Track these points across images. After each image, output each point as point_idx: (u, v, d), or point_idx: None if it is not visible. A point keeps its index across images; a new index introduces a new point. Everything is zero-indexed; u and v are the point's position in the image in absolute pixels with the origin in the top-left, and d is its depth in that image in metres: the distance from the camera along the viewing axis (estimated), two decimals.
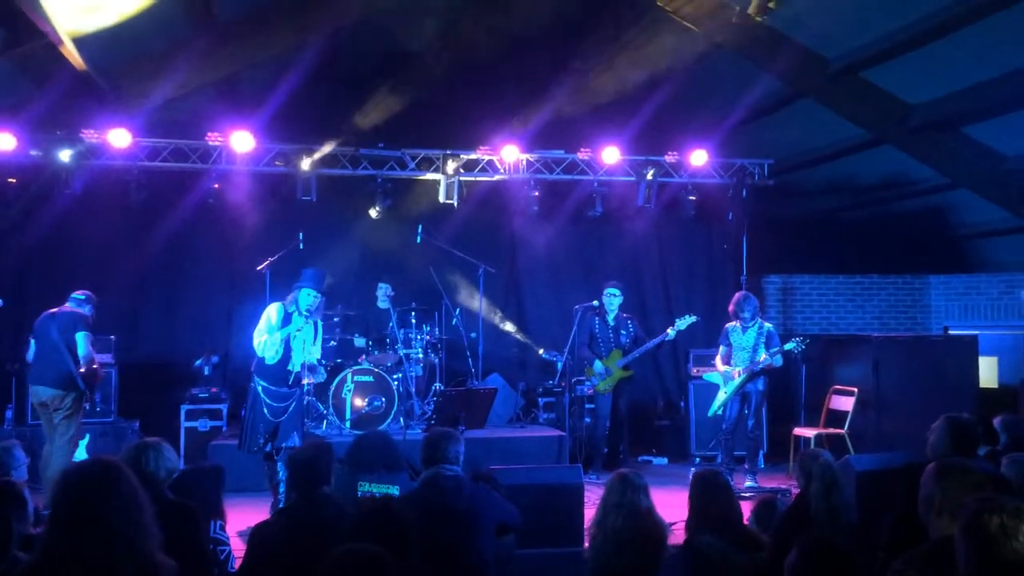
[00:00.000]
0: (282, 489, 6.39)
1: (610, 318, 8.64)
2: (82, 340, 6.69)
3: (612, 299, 8.63)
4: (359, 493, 4.63)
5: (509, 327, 10.50)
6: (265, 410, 6.67)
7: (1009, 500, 2.47)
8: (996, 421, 5.47)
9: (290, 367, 6.74)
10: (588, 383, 8.72)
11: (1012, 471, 3.97)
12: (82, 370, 6.68)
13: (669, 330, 8.49)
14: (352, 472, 4.70)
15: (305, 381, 6.93)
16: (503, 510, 4.20)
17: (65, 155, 8.57)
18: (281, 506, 6.51)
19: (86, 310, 7.01)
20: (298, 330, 6.68)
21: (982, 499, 2.51)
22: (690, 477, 4.04)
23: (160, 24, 8.02)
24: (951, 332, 10.68)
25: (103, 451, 7.70)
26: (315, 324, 6.86)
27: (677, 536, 5.44)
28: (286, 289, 6.96)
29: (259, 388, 6.67)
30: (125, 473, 2.53)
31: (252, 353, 6.76)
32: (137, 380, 8.98)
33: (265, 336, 6.61)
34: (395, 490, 4.71)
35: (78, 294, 7.15)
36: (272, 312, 6.68)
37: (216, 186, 9.11)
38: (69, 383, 6.65)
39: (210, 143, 8.98)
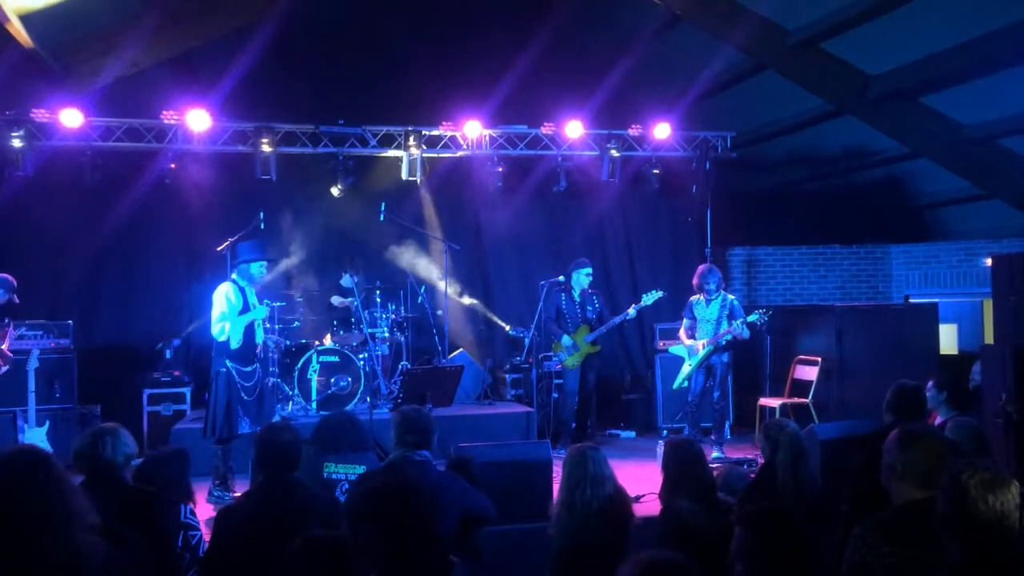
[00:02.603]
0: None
1: (575, 293, 8.62)
2: None
3: (586, 278, 8.59)
4: (324, 474, 4.59)
5: (475, 304, 10.46)
6: (242, 392, 6.58)
7: (986, 465, 2.53)
8: (975, 366, 5.61)
9: (257, 341, 6.79)
10: (556, 359, 8.72)
11: (955, 435, 4.05)
12: None
13: (630, 309, 8.47)
14: (317, 453, 4.65)
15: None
16: (470, 498, 4.09)
17: (15, 137, 8.34)
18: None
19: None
20: (265, 318, 6.71)
21: (966, 464, 2.56)
22: (660, 447, 4.06)
23: (109, 0, 7.82)
24: (912, 300, 10.82)
25: (64, 437, 7.59)
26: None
27: (644, 507, 5.49)
28: (234, 267, 6.88)
29: (231, 370, 6.55)
30: (49, 463, 2.50)
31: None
32: (97, 365, 8.82)
33: (228, 323, 6.51)
34: (361, 470, 4.67)
35: None
36: (229, 292, 6.57)
37: (172, 166, 8.92)
38: None
39: (165, 122, 8.76)
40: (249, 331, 6.66)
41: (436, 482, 3.99)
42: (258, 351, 6.93)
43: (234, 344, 6.55)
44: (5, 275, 7.08)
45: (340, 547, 2.47)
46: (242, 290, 6.64)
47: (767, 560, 2.65)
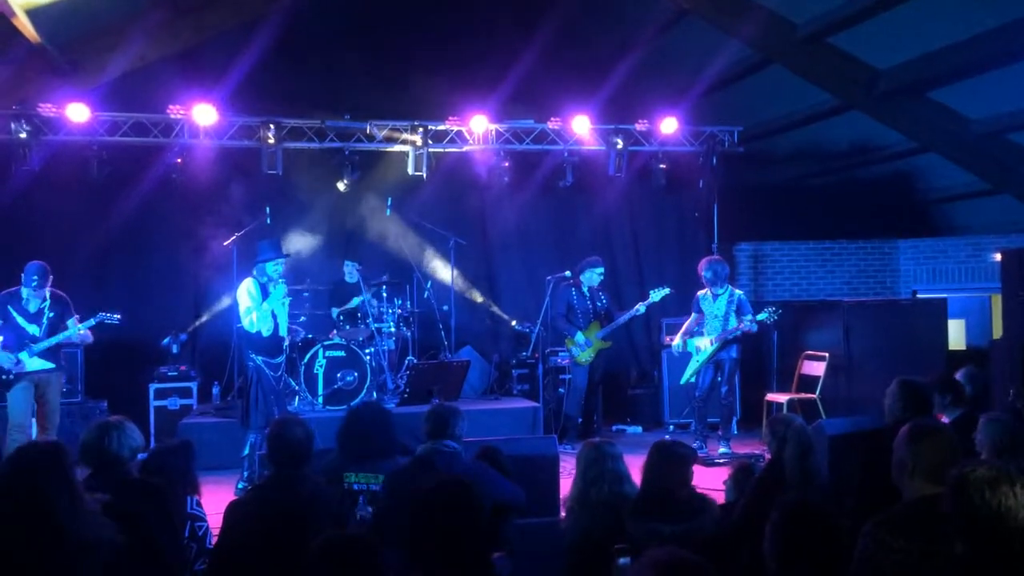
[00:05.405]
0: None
1: (585, 288, 8.60)
2: None
3: (598, 277, 8.59)
4: (345, 485, 4.43)
5: (481, 299, 10.45)
6: (273, 383, 6.90)
7: (992, 463, 2.51)
8: (960, 373, 5.50)
9: (281, 334, 7.06)
10: (566, 354, 8.70)
11: (990, 431, 4.02)
12: None
13: (639, 305, 8.48)
14: (340, 461, 4.49)
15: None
16: (501, 488, 4.08)
17: (22, 131, 8.34)
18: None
19: None
20: (286, 296, 7.00)
21: (977, 463, 2.55)
22: None
23: None
24: (920, 296, 10.78)
25: (71, 432, 7.58)
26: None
27: None
28: (253, 265, 7.02)
29: (260, 363, 6.82)
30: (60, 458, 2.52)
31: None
32: (104, 359, 8.81)
33: (255, 313, 6.78)
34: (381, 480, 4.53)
35: None
36: (250, 287, 6.87)
37: (179, 160, 8.93)
38: None
39: (172, 116, 8.76)
40: (275, 322, 6.94)
41: (466, 473, 3.97)
42: (284, 344, 7.23)
43: (266, 332, 6.83)
44: (40, 261, 6.81)
45: (364, 546, 2.44)
46: (262, 285, 6.90)
47: (802, 554, 2.62)
